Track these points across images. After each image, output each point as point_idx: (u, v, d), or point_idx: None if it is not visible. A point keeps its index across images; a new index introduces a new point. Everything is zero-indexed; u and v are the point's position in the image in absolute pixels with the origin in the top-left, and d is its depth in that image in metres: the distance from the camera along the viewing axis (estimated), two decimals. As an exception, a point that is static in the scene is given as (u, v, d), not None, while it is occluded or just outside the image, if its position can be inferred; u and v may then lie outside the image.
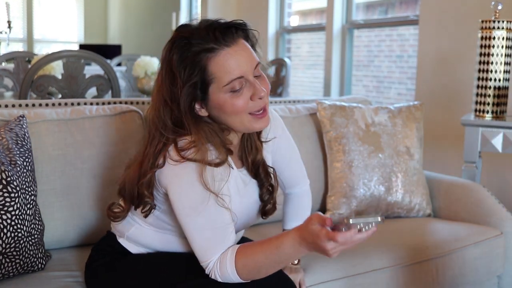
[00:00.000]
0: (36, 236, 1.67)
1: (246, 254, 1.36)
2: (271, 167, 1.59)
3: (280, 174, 1.66)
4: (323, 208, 2.34)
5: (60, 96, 3.15)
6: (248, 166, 1.54)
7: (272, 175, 1.58)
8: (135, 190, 1.44)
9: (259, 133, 1.57)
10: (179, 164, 1.36)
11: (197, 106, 1.40)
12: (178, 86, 1.36)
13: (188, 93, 1.36)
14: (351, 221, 1.24)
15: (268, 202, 1.58)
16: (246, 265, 1.35)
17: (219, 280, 1.37)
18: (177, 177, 1.38)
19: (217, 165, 1.38)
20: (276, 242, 1.34)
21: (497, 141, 2.54)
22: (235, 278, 1.37)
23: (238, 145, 1.52)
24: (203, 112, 1.41)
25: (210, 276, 1.38)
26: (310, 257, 1.83)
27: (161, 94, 1.40)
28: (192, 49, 1.35)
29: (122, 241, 1.60)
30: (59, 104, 2.13)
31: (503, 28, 2.54)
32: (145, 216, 1.49)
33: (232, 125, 1.42)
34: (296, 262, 1.71)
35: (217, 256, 1.37)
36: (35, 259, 1.67)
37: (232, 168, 1.45)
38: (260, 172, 1.55)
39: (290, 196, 1.74)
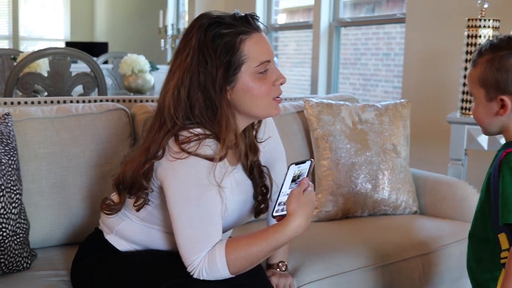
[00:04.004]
0: (21, 235, 1.65)
1: (238, 248, 1.36)
2: (265, 166, 1.59)
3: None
4: (310, 206, 2.33)
5: (46, 94, 3.14)
6: (244, 165, 1.54)
7: (266, 175, 1.58)
8: (136, 179, 1.44)
9: (256, 133, 1.58)
10: (178, 156, 1.37)
11: (228, 89, 1.43)
12: (214, 67, 1.39)
13: (223, 74, 1.40)
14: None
15: (262, 202, 1.59)
16: (239, 258, 1.36)
17: (205, 277, 1.37)
18: (174, 169, 1.38)
19: (217, 159, 1.39)
20: (272, 233, 1.36)
21: (483, 139, 2.56)
22: (224, 273, 1.37)
23: (233, 142, 1.53)
24: (229, 95, 1.44)
25: (193, 274, 1.38)
26: (296, 259, 1.84)
27: (187, 77, 1.40)
28: (226, 31, 1.41)
29: (109, 237, 1.60)
30: (45, 102, 2.12)
31: (489, 26, 2.55)
32: (138, 210, 1.49)
33: (255, 109, 1.46)
34: (284, 268, 1.72)
35: (204, 253, 1.37)
36: (20, 259, 1.65)
37: (229, 164, 1.46)
38: (255, 173, 1.56)
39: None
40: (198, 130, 1.41)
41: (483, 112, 1.45)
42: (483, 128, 1.49)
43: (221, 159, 1.40)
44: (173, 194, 1.39)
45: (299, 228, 1.36)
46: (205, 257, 1.37)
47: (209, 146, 1.39)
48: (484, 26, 2.55)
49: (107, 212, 1.56)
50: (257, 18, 1.47)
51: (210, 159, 1.38)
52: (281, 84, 1.48)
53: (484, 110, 1.45)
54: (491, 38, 1.47)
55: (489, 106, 1.43)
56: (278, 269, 1.71)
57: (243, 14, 1.45)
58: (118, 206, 1.54)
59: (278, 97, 1.49)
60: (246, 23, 1.43)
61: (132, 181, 1.45)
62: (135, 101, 2.24)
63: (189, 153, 1.37)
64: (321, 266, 1.84)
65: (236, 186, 1.50)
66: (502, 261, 1.38)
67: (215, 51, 1.39)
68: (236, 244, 1.37)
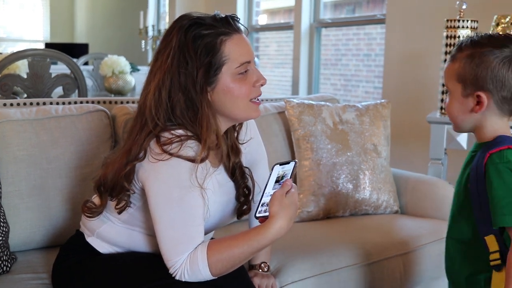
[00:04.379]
0: (0, 238, 1.64)
1: (220, 250, 1.36)
2: (246, 167, 1.59)
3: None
4: (292, 206, 2.34)
5: (25, 95, 3.11)
6: (226, 167, 1.54)
7: (248, 176, 1.58)
8: (118, 181, 1.43)
9: (237, 135, 1.58)
10: (160, 158, 1.37)
11: (208, 90, 1.42)
12: (195, 67, 1.39)
13: (203, 75, 1.39)
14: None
15: (244, 203, 1.59)
16: (221, 260, 1.36)
17: (187, 278, 1.37)
18: (156, 171, 1.38)
19: (199, 161, 1.39)
20: (254, 235, 1.36)
21: (462, 138, 2.58)
22: (205, 275, 1.36)
23: (215, 143, 1.53)
24: (209, 97, 1.43)
25: (175, 276, 1.37)
26: (278, 259, 1.84)
27: (168, 78, 1.40)
28: (207, 32, 1.40)
29: (90, 240, 1.59)
30: (24, 103, 2.10)
31: (467, 27, 2.58)
32: (119, 212, 1.48)
33: (235, 110, 1.45)
34: (266, 269, 1.72)
35: (186, 254, 1.37)
36: (0, 262, 1.64)
37: (211, 166, 1.46)
38: (237, 174, 1.56)
39: (256, 204, 1.72)
40: (180, 132, 1.40)
41: (457, 108, 1.44)
42: (456, 124, 1.48)
43: (202, 160, 1.39)
44: (155, 196, 1.38)
45: (281, 230, 1.36)
46: (187, 259, 1.36)
47: (191, 148, 1.39)
48: (463, 27, 2.58)
49: (89, 215, 1.55)
50: (238, 19, 1.47)
51: (192, 160, 1.38)
52: (262, 85, 1.48)
53: (459, 105, 1.43)
54: (471, 35, 1.46)
55: (465, 102, 1.42)
56: (260, 270, 1.71)
57: (223, 15, 1.45)
58: (99, 209, 1.53)
59: (258, 100, 1.49)
60: (227, 24, 1.43)
61: (113, 183, 1.45)
62: (116, 102, 2.23)
63: (171, 154, 1.37)
64: (303, 266, 1.84)
65: (218, 188, 1.50)
66: (492, 263, 1.37)
67: (195, 52, 1.39)
68: (218, 246, 1.37)
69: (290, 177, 1.39)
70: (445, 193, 2.38)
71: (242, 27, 1.48)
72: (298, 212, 2.26)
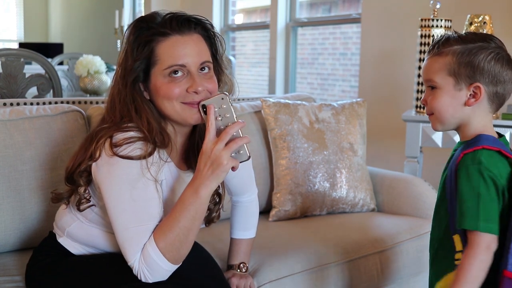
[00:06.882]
0: (-26, 241, 1.62)
1: (164, 234, 1.34)
2: None
3: (228, 180, 1.65)
4: (269, 205, 2.35)
5: (-1, 96, 3.07)
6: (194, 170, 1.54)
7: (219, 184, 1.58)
8: (71, 171, 1.46)
9: None
10: (111, 160, 1.37)
11: (141, 86, 1.44)
12: (131, 64, 1.42)
13: (134, 71, 1.41)
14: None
15: (213, 211, 1.58)
16: (170, 244, 1.34)
17: (149, 277, 1.35)
18: (109, 173, 1.38)
19: (147, 156, 1.39)
20: (181, 207, 1.35)
21: (437, 137, 2.61)
22: (164, 265, 1.34)
23: (183, 146, 1.52)
24: (146, 95, 1.46)
25: (139, 277, 1.35)
26: (255, 259, 1.84)
27: (118, 70, 1.46)
28: (147, 31, 1.42)
29: (62, 240, 1.58)
30: (-2, 104, 2.07)
31: (441, 26, 2.61)
32: (78, 209, 1.49)
33: (166, 111, 1.44)
34: (244, 269, 1.72)
35: (139, 253, 1.35)
36: (-26, 265, 1.62)
37: (170, 165, 1.47)
38: None
39: (238, 204, 1.73)
40: (131, 134, 1.41)
41: (448, 102, 1.39)
42: (442, 120, 1.41)
43: (150, 154, 1.40)
44: (109, 198, 1.38)
45: (200, 193, 1.35)
46: (141, 256, 1.35)
47: (140, 148, 1.40)
48: (437, 26, 2.60)
49: (55, 199, 1.56)
50: (194, 20, 1.46)
51: (139, 158, 1.38)
52: (196, 93, 1.41)
53: (450, 100, 1.39)
54: (450, 32, 1.44)
55: (457, 95, 1.38)
56: (238, 270, 1.71)
57: (170, 16, 1.44)
58: (65, 195, 1.54)
59: (198, 103, 1.42)
60: (170, 25, 1.42)
61: (68, 173, 1.47)
62: (91, 102, 2.21)
63: (121, 156, 1.37)
64: (280, 266, 1.85)
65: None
66: (456, 262, 1.37)
67: (132, 49, 1.42)
68: (161, 230, 1.35)
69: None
70: (421, 190, 2.40)
71: (199, 29, 1.46)
72: (274, 211, 2.27)
